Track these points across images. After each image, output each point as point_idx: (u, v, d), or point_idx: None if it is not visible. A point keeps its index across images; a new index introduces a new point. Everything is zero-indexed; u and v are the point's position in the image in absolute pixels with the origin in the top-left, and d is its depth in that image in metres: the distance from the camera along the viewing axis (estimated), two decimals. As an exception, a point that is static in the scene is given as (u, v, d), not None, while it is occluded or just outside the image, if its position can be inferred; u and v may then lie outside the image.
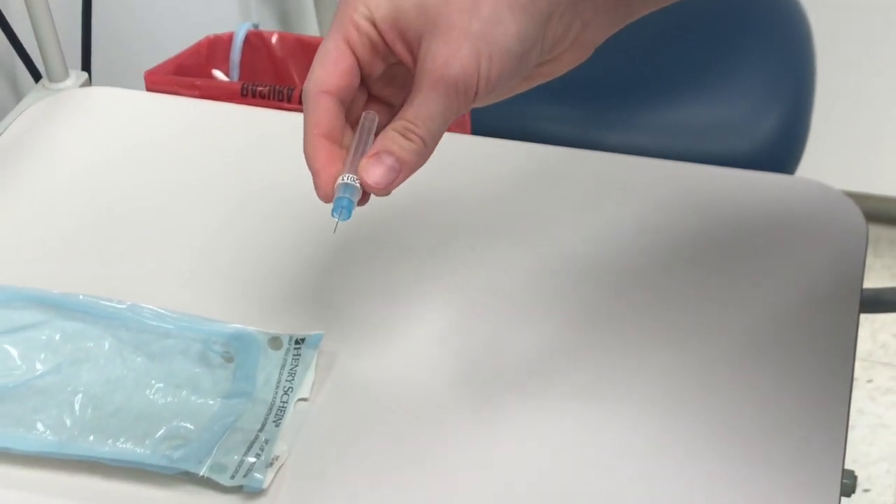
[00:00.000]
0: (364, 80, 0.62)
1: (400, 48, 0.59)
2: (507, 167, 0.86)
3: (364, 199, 0.60)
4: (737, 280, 0.76)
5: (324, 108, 0.59)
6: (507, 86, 0.60)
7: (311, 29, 1.76)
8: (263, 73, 1.28)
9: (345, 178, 0.58)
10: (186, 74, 1.20)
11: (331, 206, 0.59)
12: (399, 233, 0.80)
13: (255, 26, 1.28)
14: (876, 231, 1.98)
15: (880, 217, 1.98)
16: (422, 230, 0.80)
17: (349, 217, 0.58)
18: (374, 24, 0.59)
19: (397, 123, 0.58)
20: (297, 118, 0.96)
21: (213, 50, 1.26)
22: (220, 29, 1.28)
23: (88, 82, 1.27)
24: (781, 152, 1.24)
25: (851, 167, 1.90)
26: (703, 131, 1.23)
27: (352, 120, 0.62)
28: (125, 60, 1.43)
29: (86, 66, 1.35)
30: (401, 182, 0.59)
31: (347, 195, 0.58)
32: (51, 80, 1.24)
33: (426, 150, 0.58)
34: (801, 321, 0.73)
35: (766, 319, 0.73)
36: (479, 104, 0.61)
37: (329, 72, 0.59)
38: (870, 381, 1.76)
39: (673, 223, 0.80)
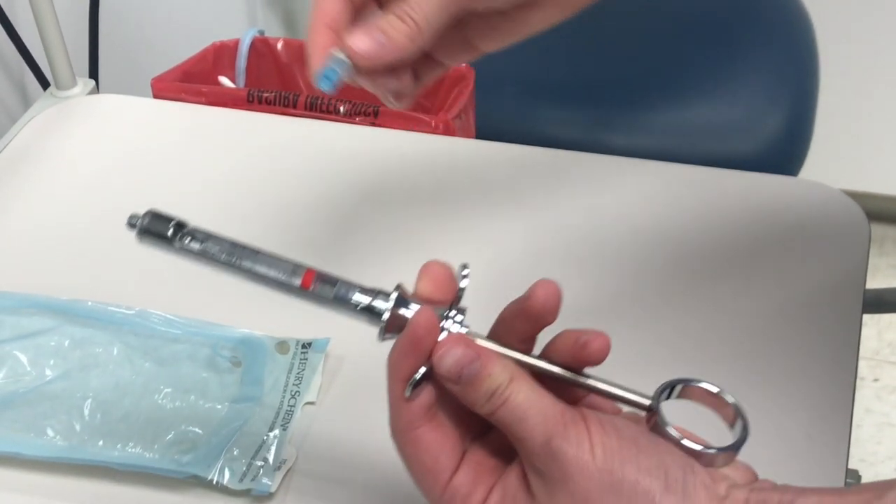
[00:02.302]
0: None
1: None
2: (512, 171, 0.86)
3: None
4: (740, 281, 0.76)
5: (331, 1, 0.60)
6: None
7: (316, 34, 1.76)
8: (269, 80, 1.28)
9: (334, 52, 0.59)
10: (193, 81, 1.20)
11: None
12: (404, 238, 0.80)
13: (261, 33, 1.29)
14: (882, 230, 1.98)
15: (887, 216, 1.98)
16: (427, 235, 0.80)
17: (331, 87, 0.59)
18: None
19: (396, 7, 0.59)
20: (302, 124, 0.97)
21: (219, 56, 1.26)
22: (226, 36, 1.28)
23: (96, 90, 1.28)
24: (786, 153, 1.25)
25: (858, 166, 1.90)
26: (707, 133, 1.24)
27: None
28: (132, 68, 1.43)
29: (93, 73, 1.36)
30: (387, 59, 0.59)
31: (334, 66, 0.59)
32: (59, 87, 1.25)
33: (419, 35, 0.59)
34: (804, 321, 0.73)
35: (770, 319, 0.74)
36: (488, 34, 0.62)
37: None
38: (876, 379, 1.76)
39: (676, 225, 0.80)
